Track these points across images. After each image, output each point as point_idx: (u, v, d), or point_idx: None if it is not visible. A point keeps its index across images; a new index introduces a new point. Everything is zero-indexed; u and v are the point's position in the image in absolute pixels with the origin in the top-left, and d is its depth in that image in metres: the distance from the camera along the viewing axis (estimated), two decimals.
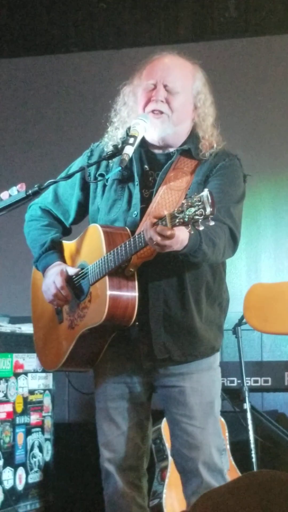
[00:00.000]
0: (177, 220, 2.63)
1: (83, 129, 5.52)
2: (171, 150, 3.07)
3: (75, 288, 3.09)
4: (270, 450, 4.76)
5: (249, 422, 4.46)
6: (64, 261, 3.16)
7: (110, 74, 5.49)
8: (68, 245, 3.21)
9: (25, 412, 4.54)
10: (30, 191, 2.88)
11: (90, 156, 3.18)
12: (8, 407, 4.40)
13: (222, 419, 4.46)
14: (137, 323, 2.94)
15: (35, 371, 4.61)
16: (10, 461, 4.39)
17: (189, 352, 3.01)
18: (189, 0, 5.76)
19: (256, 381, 4.76)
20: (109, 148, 3.06)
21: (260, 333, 5.08)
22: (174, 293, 2.98)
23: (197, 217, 2.59)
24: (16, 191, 2.88)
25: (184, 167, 3.03)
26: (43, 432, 4.70)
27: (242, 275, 5.36)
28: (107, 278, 2.90)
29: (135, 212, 3.00)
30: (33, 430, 4.62)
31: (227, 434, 4.55)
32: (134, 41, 5.80)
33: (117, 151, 2.99)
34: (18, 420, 4.48)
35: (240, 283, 5.28)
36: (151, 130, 3.02)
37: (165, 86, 3.02)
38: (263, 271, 5.48)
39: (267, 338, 5.32)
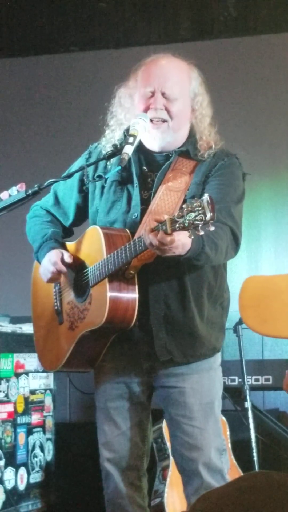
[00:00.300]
0: (177, 225, 2.62)
1: (83, 128, 5.52)
2: (169, 151, 3.06)
3: (75, 289, 3.09)
4: (271, 448, 4.76)
5: (250, 420, 4.46)
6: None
7: (109, 73, 5.48)
8: (69, 246, 3.20)
9: (26, 412, 4.54)
10: (30, 191, 2.87)
11: (88, 158, 3.17)
12: (9, 407, 4.40)
13: (223, 418, 4.46)
14: (137, 323, 2.94)
15: (36, 371, 4.61)
16: (11, 461, 4.39)
17: (191, 353, 3.01)
18: None
19: (257, 380, 4.76)
20: (107, 149, 3.06)
21: None
22: (175, 294, 2.97)
23: (197, 222, 2.58)
24: (16, 191, 2.88)
25: (183, 167, 3.03)
26: (44, 432, 4.70)
27: (242, 273, 5.35)
28: (107, 280, 2.90)
29: (135, 213, 3.00)
30: (34, 430, 4.62)
31: (228, 433, 4.55)
32: (134, 41, 5.80)
33: (117, 150, 2.99)
34: (20, 420, 4.48)
35: (240, 281, 5.23)
36: (151, 140, 3.02)
37: (163, 93, 3.00)
38: (263, 269, 5.48)
39: (268, 337, 5.31)
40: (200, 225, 2.59)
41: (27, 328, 4.40)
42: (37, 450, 4.63)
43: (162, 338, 2.97)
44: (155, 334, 2.97)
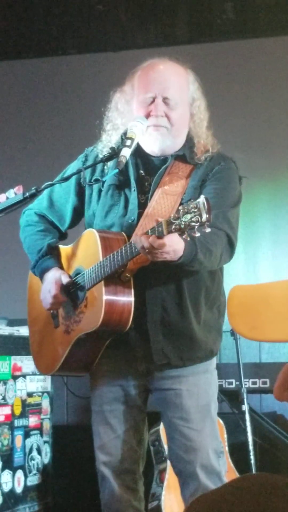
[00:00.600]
0: (173, 227, 2.63)
1: (81, 131, 5.50)
2: (167, 155, 3.06)
3: (71, 293, 3.09)
4: (269, 451, 4.76)
5: (248, 423, 4.46)
6: (61, 266, 3.16)
7: (107, 76, 5.47)
8: (65, 249, 3.21)
9: (23, 414, 4.54)
10: (27, 194, 2.87)
11: (84, 161, 3.17)
12: (7, 410, 4.40)
13: (221, 421, 4.46)
14: (133, 326, 2.94)
15: (34, 374, 4.61)
16: (8, 463, 4.39)
17: (187, 356, 3.01)
18: (187, 2, 5.77)
19: (254, 383, 4.76)
20: (104, 152, 3.05)
21: None
22: (172, 298, 2.97)
23: (193, 223, 2.59)
24: (13, 194, 2.88)
25: (179, 171, 3.03)
26: (41, 434, 4.70)
27: (240, 276, 5.35)
28: (103, 283, 2.90)
29: (132, 217, 3.00)
30: (32, 432, 4.62)
31: (225, 436, 4.55)
32: (132, 43, 5.80)
33: (115, 153, 2.99)
34: (17, 422, 4.48)
35: (238, 284, 5.27)
36: (152, 143, 3.02)
37: (164, 99, 2.99)
38: (261, 272, 5.48)
39: None
40: (196, 227, 2.59)
41: (25, 331, 4.39)
42: (34, 453, 4.63)
43: (158, 342, 2.97)
44: (152, 338, 2.97)
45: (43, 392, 4.73)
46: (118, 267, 2.87)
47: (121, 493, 3.05)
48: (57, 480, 4.84)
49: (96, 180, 3.08)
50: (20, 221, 3.32)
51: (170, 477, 4.33)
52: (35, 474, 4.62)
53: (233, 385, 4.71)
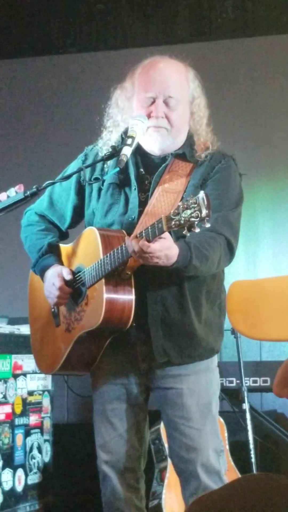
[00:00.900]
0: (173, 223, 2.63)
1: (82, 130, 5.50)
2: (167, 153, 3.06)
3: (72, 291, 3.09)
4: (269, 450, 4.76)
5: (248, 422, 4.46)
6: (61, 264, 3.15)
7: (108, 74, 5.47)
8: (65, 248, 3.21)
9: (24, 413, 4.53)
10: (28, 192, 2.87)
11: (84, 160, 3.17)
12: (7, 408, 4.40)
13: (221, 420, 4.46)
14: (134, 324, 2.94)
15: (34, 372, 4.61)
16: (9, 462, 4.39)
17: (188, 354, 3.01)
18: (187, 1, 5.76)
19: (255, 381, 4.76)
20: (104, 151, 3.05)
21: None
22: (173, 296, 2.97)
23: (193, 219, 2.59)
24: (14, 192, 2.88)
25: (179, 169, 3.02)
26: (42, 433, 4.70)
27: (240, 274, 5.35)
28: (103, 281, 2.90)
29: (133, 215, 3.00)
30: (32, 431, 4.61)
31: (226, 434, 4.55)
32: (132, 42, 5.80)
33: (115, 151, 2.98)
34: (17, 421, 4.48)
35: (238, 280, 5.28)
36: (152, 143, 3.02)
37: (164, 100, 2.99)
38: (261, 270, 5.48)
39: None
40: (196, 222, 2.60)
41: (25, 329, 4.40)
42: (35, 452, 4.63)
43: (159, 340, 2.97)
44: (153, 336, 2.97)
45: (43, 391, 4.73)
46: (119, 265, 2.86)
47: (123, 491, 3.05)
48: (57, 479, 4.84)
49: (96, 179, 3.08)
50: (21, 221, 3.32)
51: (171, 476, 4.33)
52: (35, 473, 4.62)
53: (234, 384, 4.71)
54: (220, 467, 3.07)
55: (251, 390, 4.66)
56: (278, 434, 4.71)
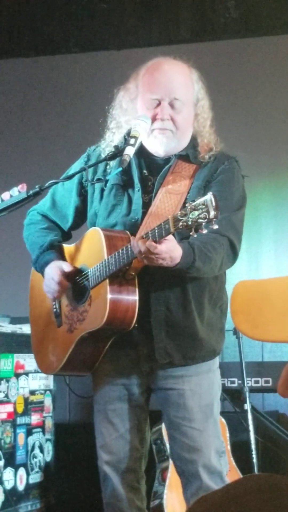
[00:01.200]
0: (180, 224, 2.63)
1: (84, 130, 5.51)
2: (171, 155, 3.06)
3: (75, 291, 3.09)
4: (271, 450, 4.76)
5: (250, 422, 4.46)
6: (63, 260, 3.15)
7: (110, 74, 5.48)
8: (68, 248, 3.20)
9: (26, 412, 4.54)
10: (31, 192, 2.87)
11: (87, 160, 3.17)
12: (9, 408, 4.40)
13: (223, 420, 4.47)
14: (136, 325, 2.94)
15: (36, 372, 4.62)
16: (11, 461, 4.39)
17: (190, 355, 3.01)
18: (190, 0, 5.76)
19: (257, 382, 4.76)
20: (107, 151, 3.05)
21: None
22: (176, 297, 2.97)
23: (200, 220, 2.59)
24: (17, 192, 2.88)
25: (183, 171, 3.02)
26: (43, 432, 4.70)
27: (242, 275, 5.35)
28: (107, 281, 2.90)
29: (136, 216, 3.00)
30: (34, 430, 4.62)
31: (227, 434, 4.55)
32: (134, 42, 5.80)
33: (118, 151, 2.98)
34: (19, 420, 4.49)
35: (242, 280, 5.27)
36: (157, 145, 3.02)
37: (169, 102, 2.98)
38: (263, 271, 5.48)
39: None
40: (204, 223, 2.59)
41: (27, 329, 4.38)
42: (37, 451, 4.63)
43: (162, 341, 2.97)
44: (155, 337, 2.97)
45: (45, 390, 4.74)
46: (123, 265, 2.86)
47: (124, 492, 3.05)
48: (59, 478, 4.84)
49: (99, 179, 3.08)
50: (24, 221, 3.32)
51: (172, 476, 4.34)
52: (37, 472, 4.62)
53: (236, 384, 4.71)
54: (222, 468, 3.07)
55: (252, 390, 4.66)
56: (279, 435, 4.71)
